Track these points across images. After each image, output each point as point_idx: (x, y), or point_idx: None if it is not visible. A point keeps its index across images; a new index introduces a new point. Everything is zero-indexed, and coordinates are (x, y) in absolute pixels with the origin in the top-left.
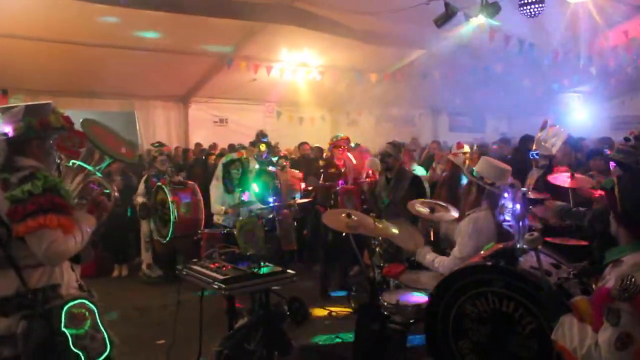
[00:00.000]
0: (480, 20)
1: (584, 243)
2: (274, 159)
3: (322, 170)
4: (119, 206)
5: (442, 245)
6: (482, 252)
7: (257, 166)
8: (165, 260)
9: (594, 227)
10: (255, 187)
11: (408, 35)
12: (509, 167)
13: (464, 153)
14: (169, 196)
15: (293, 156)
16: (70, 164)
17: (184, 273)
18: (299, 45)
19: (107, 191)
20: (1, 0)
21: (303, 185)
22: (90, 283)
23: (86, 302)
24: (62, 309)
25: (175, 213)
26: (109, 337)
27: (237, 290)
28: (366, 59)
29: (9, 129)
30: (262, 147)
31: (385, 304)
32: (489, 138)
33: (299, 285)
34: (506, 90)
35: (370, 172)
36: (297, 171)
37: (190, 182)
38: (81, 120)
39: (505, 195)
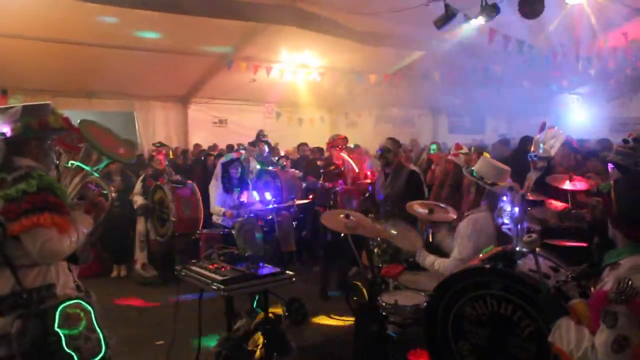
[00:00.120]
0: (480, 21)
1: (583, 245)
2: (275, 159)
3: (322, 171)
4: (118, 206)
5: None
6: (481, 255)
7: (257, 166)
8: (161, 260)
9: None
10: (255, 188)
11: (408, 36)
12: (508, 168)
13: (464, 154)
14: (168, 195)
15: (292, 157)
16: (69, 164)
17: (183, 273)
18: (299, 46)
19: (105, 192)
20: (1, 0)
21: (304, 185)
22: (89, 283)
23: (82, 302)
24: (57, 309)
25: (174, 212)
26: (104, 338)
27: (236, 291)
28: (366, 60)
29: (7, 130)
30: (264, 147)
31: (384, 304)
32: (488, 139)
33: (298, 286)
34: (505, 91)
35: (369, 172)
36: (297, 171)
37: (189, 181)
38: (79, 121)
39: (504, 198)
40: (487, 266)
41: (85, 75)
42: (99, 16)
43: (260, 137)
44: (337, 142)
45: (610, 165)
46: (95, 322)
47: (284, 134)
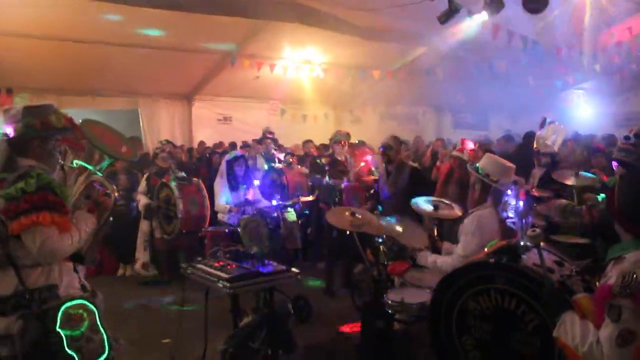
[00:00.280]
0: (483, 16)
1: (587, 241)
2: (281, 156)
3: (327, 168)
4: (124, 205)
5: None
6: (485, 249)
7: (264, 164)
8: (166, 259)
9: (591, 218)
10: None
11: (411, 32)
12: (513, 165)
13: (470, 150)
14: (175, 192)
15: (297, 154)
16: (74, 164)
17: (189, 271)
18: (303, 42)
19: (109, 191)
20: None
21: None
22: (95, 282)
23: (86, 303)
24: (59, 309)
25: (182, 209)
26: (108, 339)
27: (242, 289)
28: (369, 57)
29: (10, 130)
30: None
31: (390, 302)
32: (492, 135)
33: (303, 283)
34: (510, 87)
35: (373, 169)
36: (304, 168)
37: (194, 178)
38: (81, 120)
39: (509, 192)
40: (491, 260)
41: (89, 74)
42: (103, 14)
43: (266, 135)
44: (339, 139)
45: (614, 163)
46: (99, 323)
47: (288, 130)
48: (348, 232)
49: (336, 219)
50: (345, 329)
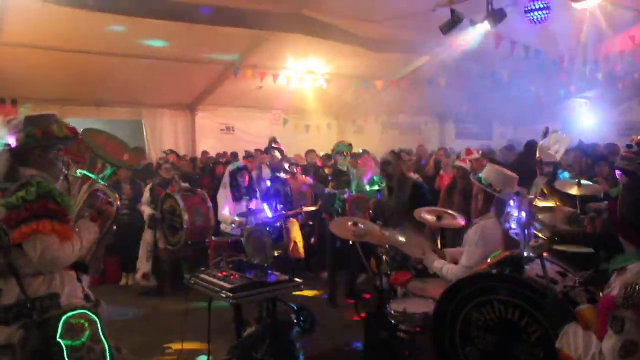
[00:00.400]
0: (486, 27)
1: (590, 251)
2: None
3: (331, 178)
4: (128, 215)
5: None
6: (489, 260)
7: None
8: (169, 269)
9: (593, 229)
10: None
11: (414, 42)
12: (516, 175)
13: (476, 160)
14: (180, 203)
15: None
16: (78, 174)
17: (192, 282)
18: (306, 53)
19: (111, 200)
20: (9, 10)
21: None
22: (98, 291)
23: (87, 312)
24: (60, 319)
25: (187, 220)
26: (110, 350)
27: (245, 299)
28: (372, 67)
29: (12, 140)
30: (277, 154)
31: (393, 312)
32: (495, 145)
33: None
34: (513, 97)
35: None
36: (308, 178)
37: (199, 189)
38: (82, 130)
39: (511, 203)
40: (494, 271)
41: (93, 84)
42: (107, 25)
43: (273, 144)
44: (342, 150)
45: (618, 172)
46: (101, 333)
47: (291, 140)
48: (351, 242)
49: (339, 229)
50: None
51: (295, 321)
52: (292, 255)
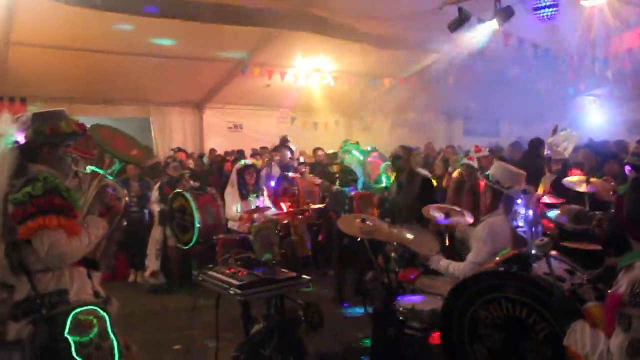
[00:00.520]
0: (494, 24)
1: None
2: (295, 164)
3: (337, 176)
4: (136, 212)
5: (459, 251)
6: (497, 257)
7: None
8: (178, 267)
9: (601, 230)
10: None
11: (422, 40)
12: (523, 172)
13: (484, 157)
14: (192, 202)
15: (308, 161)
16: (88, 170)
17: (200, 278)
18: (314, 51)
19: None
20: (18, 10)
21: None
22: (107, 288)
23: (96, 308)
24: (68, 315)
25: (200, 219)
26: (118, 346)
27: (253, 296)
28: (380, 64)
29: (21, 137)
30: (287, 153)
31: (401, 309)
32: (503, 142)
33: (315, 290)
34: (521, 94)
35: (384, 177)
36: (316, 177)
37: (209, 187)
38: (90, 125)
39: (519, 201)
40: (502, 269)
41: (101, 83)
42: (115, 24)
43: (283, 143)
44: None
45: (627, 168)
46: (109, 330)
47: (298, 138)
48: (359, 239)
49: (347, 226)
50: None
51: (303, 318)
52: (300, 253)
